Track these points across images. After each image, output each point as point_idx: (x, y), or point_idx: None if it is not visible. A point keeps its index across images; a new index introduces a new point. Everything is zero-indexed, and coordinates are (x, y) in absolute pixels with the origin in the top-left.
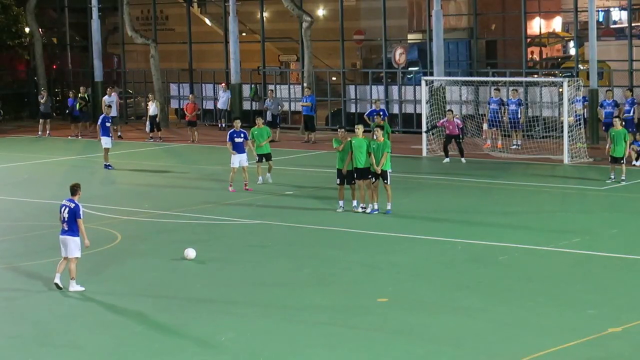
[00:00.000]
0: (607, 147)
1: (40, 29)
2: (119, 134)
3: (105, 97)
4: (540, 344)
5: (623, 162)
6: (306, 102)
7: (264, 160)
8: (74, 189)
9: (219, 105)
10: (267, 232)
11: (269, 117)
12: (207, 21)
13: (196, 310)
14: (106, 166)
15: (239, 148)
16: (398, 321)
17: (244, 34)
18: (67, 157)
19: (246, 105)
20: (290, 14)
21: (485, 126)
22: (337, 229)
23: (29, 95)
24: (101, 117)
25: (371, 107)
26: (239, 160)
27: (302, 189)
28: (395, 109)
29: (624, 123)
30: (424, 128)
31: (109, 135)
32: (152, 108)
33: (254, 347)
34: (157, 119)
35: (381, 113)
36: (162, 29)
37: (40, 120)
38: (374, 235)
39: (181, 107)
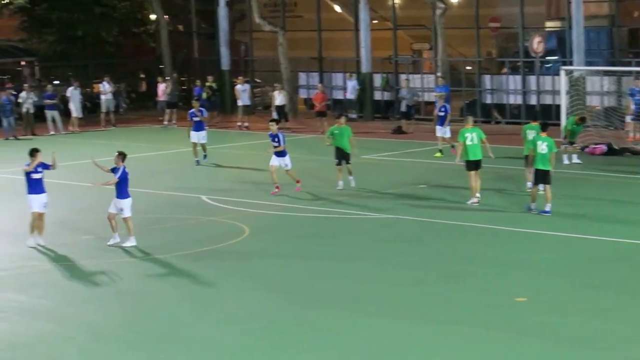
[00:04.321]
0: None
1: (165, 16)
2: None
3: (238, 86)
4: None
5: None
6: (439, 92)
7: (343, 162)
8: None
9: (347, 95)
10: (398, 226)
11: (402, 108)
12: (337, 8)
13: (322, 307)
14: (197, 162)
15: (281, 153)
16: (535, 322)
17: (375, 21)
18: (190, 148)
19: (377, 96)
20: (423, 1)
21: (628, 118)
22: (471, 224)
23: (154, 84)
24: (190, 112)
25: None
26: (278, 160)
27: (435, 182)
28: (533, 100)
29: None
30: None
31: (199, 129)
32: (279, 98)
33: (381, 347)
34: (284, 109)
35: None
36: (290, 16)
37: (167, 110)
38: (511, 231)
39: (310, 96)
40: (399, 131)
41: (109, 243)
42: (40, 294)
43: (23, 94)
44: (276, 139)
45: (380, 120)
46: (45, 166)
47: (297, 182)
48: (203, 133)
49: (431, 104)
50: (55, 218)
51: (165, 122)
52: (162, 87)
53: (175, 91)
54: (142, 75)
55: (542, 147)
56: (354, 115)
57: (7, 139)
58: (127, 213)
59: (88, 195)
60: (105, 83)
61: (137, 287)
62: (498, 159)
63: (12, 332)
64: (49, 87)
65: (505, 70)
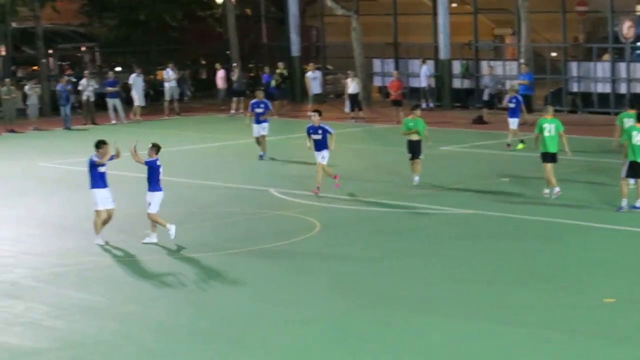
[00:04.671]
0: None
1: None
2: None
3: (309, 74)
4: None
5: None
6: (523, 80)
7: (411, 156)
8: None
9: (421, 83)
10: (476, 222)
11: (485, 97)
12: None
13: (395, 308)
14: (261, 156)
15: (320, 145)
16: (628, 325)
17: (454, 5)
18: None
19: (456, 84)
20: None
21: None
22: (553, 220)
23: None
24: (252, 102)
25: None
26: (321, 156)
27: (518, 175)
28: (623, 89)
29: None
30: None
31: (260, 121)
32: (353, 86)
33: (456, 349)
34: (358, 98)
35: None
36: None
37: (234, 98)
38: (596, 228)
39: (385, 84)
40: (479, 121)
41: (143, 241)
42: (101, 291)
43: (83, 81)
44: (319, 131)
45: (459, 109)
46: (110, 157)
47: (335, 177)
48: (264, 125)
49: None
50: (116, 212)
51: (232, 111)
52: (221, 75)
53: (243, 79)
54: (204, 62)
55: (638, 138)
56: (429, 105)
57: (67, 128)
58: (153, 208)
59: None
60: (169, 70)
61: (202, 285)
62: (579, 151)
63: (71, 330)
64: (110, 73)
65: (601, 57)
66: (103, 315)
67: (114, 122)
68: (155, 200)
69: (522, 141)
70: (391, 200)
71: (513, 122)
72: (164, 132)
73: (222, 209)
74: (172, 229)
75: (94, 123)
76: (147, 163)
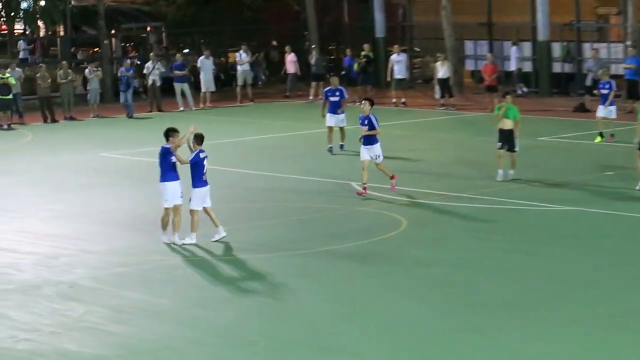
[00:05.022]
0: None
1: None
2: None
3: (393, 56)
4: None
5: None
6: (629, 64)
7: (505, 147)
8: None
9: (513, 66)
10: (581, 220)
11: (588, 82)
12: None
13: (491, 314)
14: (330, 149)
15: (367, 138)
16: None
17: None
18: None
19: (556, 67)
20: None
21: None
22: None
23: (298, 53)
24: (326, 90)
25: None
26: (373, 153)
27: (622, 168)
28: None
29: None
30: None
31: (336, 111)
32: (443, 70)
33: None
34: (448, 83)
35: None
36: None
37: (312, 83)
38: None
39: (478, 68)
40: (581, 109)
41: (212, 239)
42: (167, 293)
43: (149, 64)
44: (366, 122)
45: (559, 96)
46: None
47: (391, 177)
48: (341, 116)
49: (620, 77)
50: (185, 206)
51: (311, 97)
52: (290, 58)
53: (322, 62)
54: (277, 44)
55: None
56: (523, 90)
57: (129, 116)
58: (193, 205)
59: (222, 181)
60: (242, 52)
61: (275, 288)
62: None
63: (135, 336)
64: (178, 56)
65: None
66: (169, 320)
67: (181, 109)
68: (196, 196)
69: (600, 134)
70: (484, 195)
71: (604, 110)
72: (236, 120)
73: (298, 204)
74: (193, 237)
75: (159, 110)
76: (190, 162)
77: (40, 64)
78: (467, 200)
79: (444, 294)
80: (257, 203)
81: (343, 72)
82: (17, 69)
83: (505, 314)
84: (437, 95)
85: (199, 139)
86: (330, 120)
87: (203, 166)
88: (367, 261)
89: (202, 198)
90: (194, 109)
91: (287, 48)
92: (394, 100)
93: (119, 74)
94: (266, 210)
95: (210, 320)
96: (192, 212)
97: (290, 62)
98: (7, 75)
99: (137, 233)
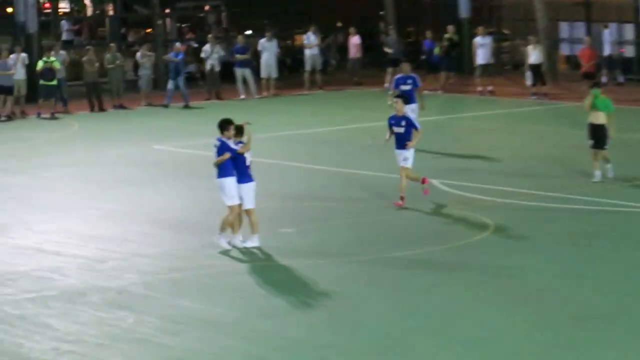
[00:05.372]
0: None
1: None
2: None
3: (477, 39)
4: None
5: None
6: None
7: (594, 145)
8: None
9: (607, 51)
10: None
11: None
12: None
13: (589, 328)
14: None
15: (401, 141)
16: None
17: None
18: (420, 118)
19: None
20: None
21: None
22: None
23: (374, 36)
24: (397, 78)
25: None
26: (402, 157)
27: None
28: None
29: None
30: None
31: (405, 103)
32: (534, 55)
33: None
34: (541, 69)
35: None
36: None
37: (388, 69)
38: None
39: (574, 53)
40: None
41: (243, 244)
42: (226, 302)
43: (207, 47)
44: (402, 123)
45: None
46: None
47: (423, 182)
48: (413, 106)
49: None
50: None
51: (387, 84)
52: (355, 41)
53: (399, 45)
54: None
55: None
56: (617, 79)
57: (185, 105)
58: (248, 203)
59: (287, 177)
60: (310, 34)
61: (344, 296)
62: None
63: (190, 349)
64: (240, 38)
65: None
66: (228, 332)
67: (242, 97)
68: (246, 193)
69: None
70: (579, 195)
71: None
72: (302, 110)
73: (371, 204)
74: (255, 239)
75: (218, 98)
76: (234, 153)
77: (87, 47)
78: (561, 200)
79: (537, 306)
80: (325, 202)
81: (423, 57)
82: (61, 51)
83: (604, 328)
84: (528, 82)
85: (236, 129)
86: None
87: (245, 158)
88: (448, 268)
89: (254, 195)
90: (256, 97)
91: (351, 30)
92: (479, 88)
93: (165, 58)
94: (335, 210)
95: (274, 332)
96: (248, 211)
97: (354, 45)
98: (52, 58)
99: (193, 235)
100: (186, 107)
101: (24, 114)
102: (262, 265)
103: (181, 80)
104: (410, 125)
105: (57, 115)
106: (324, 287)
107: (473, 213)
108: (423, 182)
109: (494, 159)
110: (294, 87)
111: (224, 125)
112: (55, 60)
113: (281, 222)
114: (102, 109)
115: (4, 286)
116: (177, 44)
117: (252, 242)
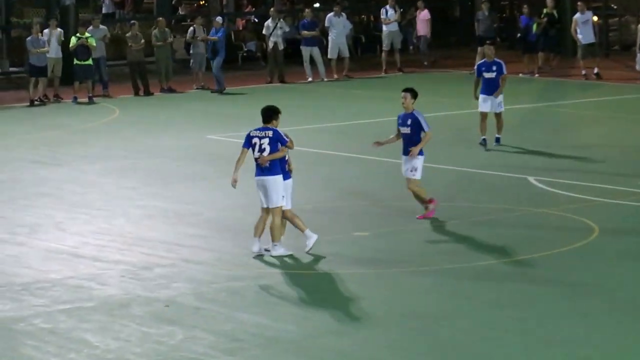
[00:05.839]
0: None
1: None
2: None
3: (577, 15)
4: None
5: None
6: None
7: None
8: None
9: None
10: None
11: None
12: None
13: None
14: (484, 142)
15: (408, 145)
16: None
17: None
18: (515, 105)
19: None
20: None
21: None
22: None
23: (460, 12)
24: (479, 63)
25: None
26: (410, 167)
27: None
28: None
29: None
30: None
31: (491, 91)
32: None
33: None
34: None
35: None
36: None
37: (479, 48)
38: None
39: None
40: None
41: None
42: (291, 315)
43: (269, 23)
44: (408, 122)
45: None
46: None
47: (428, 202)
48: (499, 98)
49: None
50: (309, 204)
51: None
52: (424, 16)
53: (492, 21)
54: None
55: None
56: None
57: (219, 90)
58: (283, 203)
59: (361, 171)
60: (388, 8)
61: (427, 310)
62: None
63: None
64: (307, 12)
65: None
66: (293, 351)
67: (309, 79)
68: (282, 189)
69: None
70: None
71: None
72: (378, 96)
73: (456, 204)
74: (312, 238)
75: (281, 81)
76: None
77: (131, 21)
78: None
79: None
80: (407, 202)
81: (519, 35)
82: (101, 26)
83: None
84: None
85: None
86: (485, 104)
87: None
88: (544, 279)
89: (289, 194)
90: (325, 79)
91: (419, 3)
92: (583, 72)
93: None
94: (418, 211)
95: (348, 353)
96: (287, 212)
97: (422, 20)
98: (87, 34)
99: (247, 238)
100: (221, 92)
101: (58, 98)
102: (331, 274)
103: (218, 62)
104: (416, 125)
105: (95, 99)
106: (402, 299)
107: (575, 215)
108: (430, 202)
109: (599, 153)
110: (369, 69)
111: (276, 113)
112: (91, 36)
113: (356, 224)
114: (148, 93)
115: (34, 296)
116: (218, 19)
117: (278, 251)
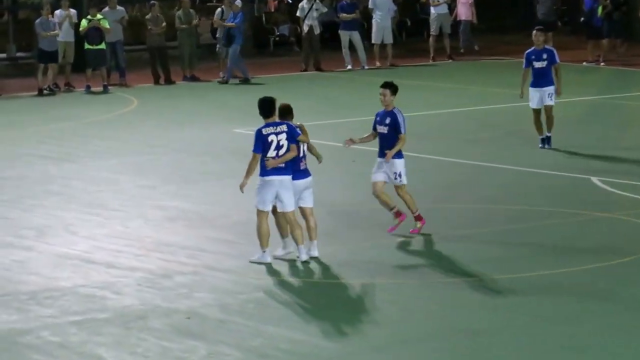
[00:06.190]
0: None
1: None
2: None
3: None
4: None
5: None
6: None
7: None
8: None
9: None
10: None
11: None
12: None
13: None
14: (542, 142)
15: (384, 145)
16: None
17: None
18: (577, 98)
19: None
20: None
21: None
22: None
23: None
24: (527, 52)
25: None
26: (391, 172)
27: None
28: None
29: None
30: None
31: (542, 84)
32: None
33: None
34: None
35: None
36: None
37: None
38: None
39: None
40: None
41: (275, 254)
42: (327, 329)
43: (304, 4)
44: (386, 121)
45: None
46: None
47: (397, 214)
48: (549, 89)
49: None
50: (348, 205)
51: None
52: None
53: (552, 4)
54: None
55: None
56: None
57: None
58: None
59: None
60: None
61: (478, 322)
62: None
63: None
64: None
65: None
66: None
67: (348, 67)
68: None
69: None
70: None
71: None
72: (426, 86)
73: (509, 206)
74: (303, 251)
75: (317, 69)
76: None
77: (152, 2)
78: None
79: None
80: (454, 204)
81: (582, 19)
82: (118, 7)
83: None
84: None
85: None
86: (534, 99)
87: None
88: (606, 293)
89: (311, 194)
90: (366, 67)
91: None
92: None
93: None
94: (465, 213)
95: None
96: (290, 214)
97: (464, 4)
98: (99, 16)
99: (280, 244)
100: (224, 83)
101: (69, 87)
102: (370, 284)
103: (233, 51)
104: (394, 125)
105: (111, 88)
106: (455, 313)
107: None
108: (399, 215)
109: None
110: (415, 56)
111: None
112: (104, 18)
113: (399, 228)
114: (169, 81)
115: (41, 306)
116: (238, 2)
117: (282, 253)
